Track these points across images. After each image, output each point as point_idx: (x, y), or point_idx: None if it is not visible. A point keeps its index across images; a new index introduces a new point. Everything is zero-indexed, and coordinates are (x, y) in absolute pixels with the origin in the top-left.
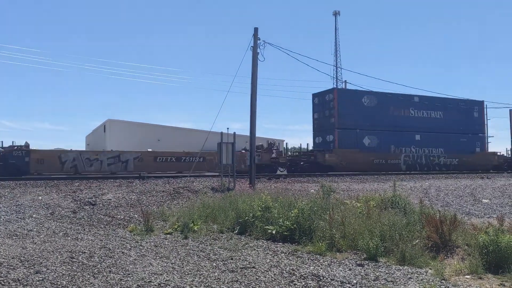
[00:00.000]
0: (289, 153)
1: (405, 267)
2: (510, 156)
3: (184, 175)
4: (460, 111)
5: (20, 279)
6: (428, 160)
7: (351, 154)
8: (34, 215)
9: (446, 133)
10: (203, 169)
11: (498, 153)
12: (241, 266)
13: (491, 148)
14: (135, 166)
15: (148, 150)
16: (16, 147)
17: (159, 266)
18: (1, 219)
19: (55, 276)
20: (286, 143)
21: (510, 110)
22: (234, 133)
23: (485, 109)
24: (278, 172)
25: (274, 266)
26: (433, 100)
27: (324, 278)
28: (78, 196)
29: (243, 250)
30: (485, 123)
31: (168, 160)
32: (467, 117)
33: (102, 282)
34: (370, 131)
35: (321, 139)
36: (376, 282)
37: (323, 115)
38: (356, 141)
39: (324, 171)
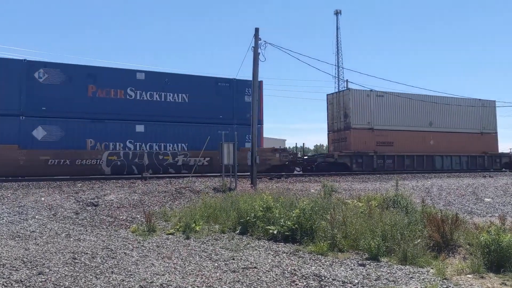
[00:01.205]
0: None
1: (407, 266)
2: (311, 154)
3: (186, 175)
4: (220, 94)
5: (22, 280)
6: (156, 159)
7: None
8: (36, 216)
9: (193, 123)
10: None
11: (282, 149)
12: (243, 266)
13: None
14: None
15: None
16: None
17: (161, 266)
18: (4, 220)
19: (57, 277)
20: None
21: (327, 95)
22: (235, 132)
23: (263, 91)
24: None
25: (275, 266)
26: (174, 78)
27: (326, 278)
28: (80, 197)
29: (244, 250)
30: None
31: None
32: (234, 102)
33: (104, 283)
34: (49, 119)
35: None
36: (377, 281)
37: None
38: (19, 134)
39: None
